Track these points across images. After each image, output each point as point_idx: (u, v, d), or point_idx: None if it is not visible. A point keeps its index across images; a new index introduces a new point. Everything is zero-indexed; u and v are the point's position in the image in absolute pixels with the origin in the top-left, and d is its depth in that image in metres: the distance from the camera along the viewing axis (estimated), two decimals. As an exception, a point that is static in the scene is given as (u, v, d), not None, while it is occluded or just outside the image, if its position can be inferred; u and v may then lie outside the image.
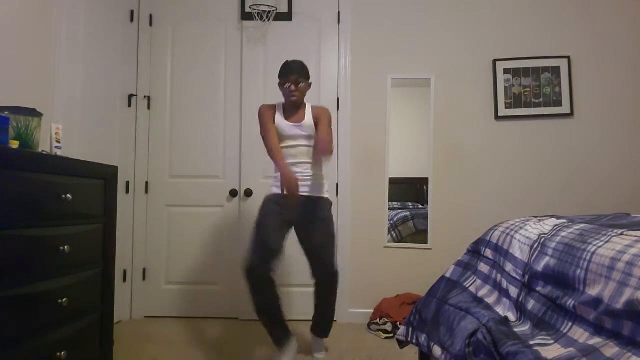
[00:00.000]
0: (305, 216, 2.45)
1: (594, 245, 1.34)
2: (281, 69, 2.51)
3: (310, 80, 2.56)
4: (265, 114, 2.51)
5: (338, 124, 3.37)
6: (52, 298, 1.72)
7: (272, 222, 2.40)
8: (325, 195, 2.54)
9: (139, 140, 3.42)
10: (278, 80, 2.51)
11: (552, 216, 1.91)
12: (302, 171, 2.46)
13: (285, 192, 2.22)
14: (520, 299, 1.58)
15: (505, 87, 3.33)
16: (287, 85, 2.46)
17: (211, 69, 3.46)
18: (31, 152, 1.83)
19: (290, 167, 2.36)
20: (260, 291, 2.32)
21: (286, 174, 2.24)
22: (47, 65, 2.50)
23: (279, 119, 2.50)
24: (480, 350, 1.45)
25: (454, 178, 3.35)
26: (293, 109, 2.53)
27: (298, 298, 3.28)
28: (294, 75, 2.47)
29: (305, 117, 2.52)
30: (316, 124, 2.51)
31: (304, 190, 2.41)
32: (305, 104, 2.56)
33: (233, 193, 3.40)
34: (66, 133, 2.35)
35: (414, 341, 1.97)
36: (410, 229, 3.44)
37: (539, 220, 1.84)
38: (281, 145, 2.44)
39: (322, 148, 2.32)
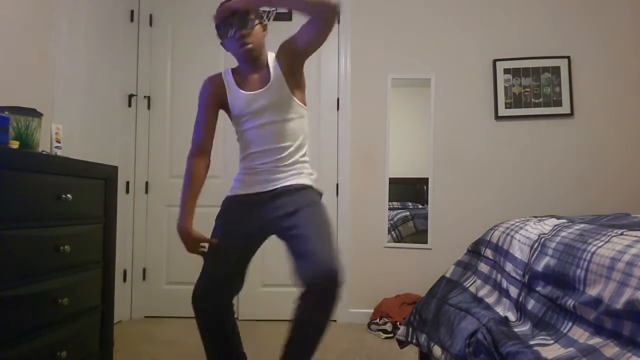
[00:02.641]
0: (281, 210, 1.69)
1: (594, 245, 1.34)
2: (216, 14, 1.70)
3: (265, 21, 1.77)
4: (206, 93, 1.74)
5: (338, 124, 3.37)
6: (52, 298, 1.72)
7: (228, 238, 1.78)
8: (308, 183, 1.75)
9: (139, 140, 3.42)
10: (220, 41, 1.73)
11: (552, 216, 1.91)
12: (274, 162, 1.72)
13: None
14: (520, 299, 1.59)
15: (505, 87, 3.33)
16: (231, 32, 1.64)
17: (211, 69, 3.44)
18: (31, 152, 1.83)
19: (253, 163, 1.75)
20: (207, 332, 1.75)
21: (179, 228, 1.79)
22: (47, 66, 2.50)
23: (232, 93, 1.73)
24: (480, 350, 1.45)
25: (454, 178, 3.35)
26: (251, 68, 1.74)
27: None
28: (236, 15, 1.63)
29: (272, 75, 1.69)
30: (288, 62, 1.72)
31: (273, 183, 1.73)
32: (266, 55, 1.77)
33: (233, 193, 3.39)
34: (66, 133, 2.35)
35: (414, 341, 1.98)
36: (410, 229, 3.44)
37: (539, 220, 1.84)
38: (241, 129, 1.76)
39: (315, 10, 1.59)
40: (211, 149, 1.83)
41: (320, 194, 1.78)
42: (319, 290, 1.48)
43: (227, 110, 1.81)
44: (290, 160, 1.73)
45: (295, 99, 1.74)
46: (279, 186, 1.72)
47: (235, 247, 1.77)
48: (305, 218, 1.64)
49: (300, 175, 1.74)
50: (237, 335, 1.85)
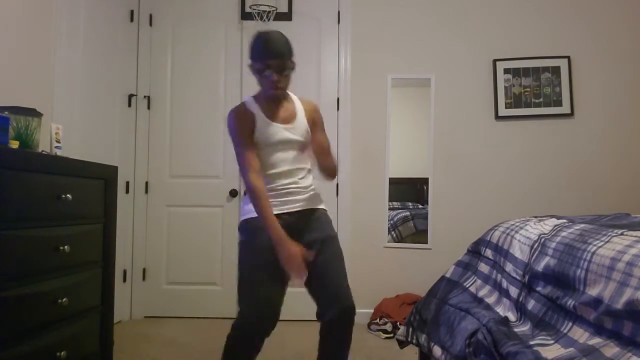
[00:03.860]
0: (305, 234, 1.81)
1: (594, 245, 1.34)
2: (256, 44, 1.79)
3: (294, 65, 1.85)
4: (240, 126, 1.80)
5: (338, 124, 3.37)
6: (52, 298, 1.72)
7: (274, 270, 1.72)
8: (324, 207, 1.94)
9: (139, 140, 3.42)
10: (250, 62, 1.81)
11: (552, 216, 1.91)
12: (298, 181, 1.85)
13: (288, 272, 1.69)
14: (521, 299, 1.59)
15: (505, 87, 3.33)
16: (268, 73, 1.76)
17: (211, 69, 3.45)
18: (31, 152, 1.83)
19: (283, 195, 1.83)
20: None
21: (284, 246, 1.67)
22: (47, 65, 2.49)
23: (262, 123, 1.82)
24: (481, 350, 1.45)
25: (454, 178, 3.35)
26: (276, 102, 1.87)
27: (298, 298, 3.28)
28: (279, 58, 1.76)
29: (297, 116, 1.88)
30: (309, 120, 1.91)
31: (299, 204, 1.85)
32: (288, 95, 1.93)
33: (233, 193, 3.39)
34: (66, 133, 2.35)
35: (414, 341, 1.98)
36: (410, 229, 3.44)
37: (539, 220, 1.84)
38: (268, 152, 1.84)
39: (330, 172, 1.89)
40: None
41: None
42: (343, 325, 1.77)
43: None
44: (308, 181, 1.91)
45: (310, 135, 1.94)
46: (307, 207, 1.86)
47: (279, 269, 1.72)
48: (333, 252, 1.82)
49: (319, 198, 1.93)
50: None
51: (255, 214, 1.78)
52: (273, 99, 1.86)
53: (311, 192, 1.90)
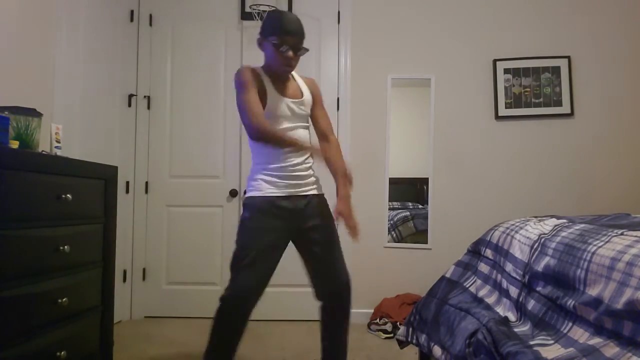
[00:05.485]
0: (312, 221, 1.89)
1: (594, 245, 1.34)
2: (276, 19, 1.80)
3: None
4: (251, 78, 1.79)
5: (338, 124, 3.37)
6: (52, 298, 1.72)
7: (274, 244, 1.83)
8: (322, 191, 2.02)
9: (139, 140, 3.42)
10: (262, 36, 1.83)
11: (552, 216, 1.91)
12: (304, 161, 1.90)
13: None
14: (521, 299, 1.59)
15: (505, 87, 3.33)
16: (284, 49, 1.77)
17: (211, 69, 3.45)
18: (31, 152, 1.83)
19: (292, 178, 1.86)
20: (233, 333, 1.85)
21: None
22: (47, 65, 2.49)
23: (272, 94, 1.83)
24: (481, 350, 1.45)
25: (454, 178, 3.35)
26: (282, 79, 1.89)
27: (298, 298, 3.28)
28: (297, 37, 1.80)
29: (304, 93, 1.93)
30: (312, 96, 1.98)
31: (306, 188, 1.90)
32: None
33: (233, 193, 3.39)
34: (66, 133, 2.35)
35: (414, 341, 1.98)
36: (410, 229, 3.44)
37: (539, 220, 1.84)
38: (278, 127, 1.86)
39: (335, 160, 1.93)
40: None
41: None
42: (345, 300, 1.92)
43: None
44: (310, 161, 1.94)
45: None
46: (309, 193, 1.92)
47: (277, 252, 1.85)
48: (330, 236, 1.93)
49: (318, 182, 1.99)
50: None
51: (258, 192, 1.83)
52: (280, 76, 1.88)
53: (314, 176, 1.96)
